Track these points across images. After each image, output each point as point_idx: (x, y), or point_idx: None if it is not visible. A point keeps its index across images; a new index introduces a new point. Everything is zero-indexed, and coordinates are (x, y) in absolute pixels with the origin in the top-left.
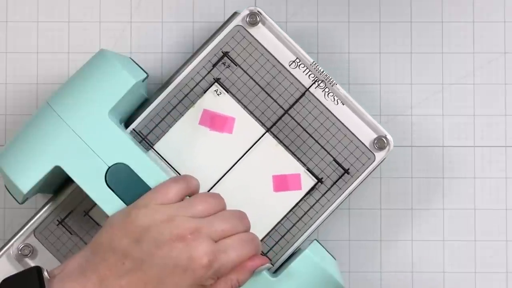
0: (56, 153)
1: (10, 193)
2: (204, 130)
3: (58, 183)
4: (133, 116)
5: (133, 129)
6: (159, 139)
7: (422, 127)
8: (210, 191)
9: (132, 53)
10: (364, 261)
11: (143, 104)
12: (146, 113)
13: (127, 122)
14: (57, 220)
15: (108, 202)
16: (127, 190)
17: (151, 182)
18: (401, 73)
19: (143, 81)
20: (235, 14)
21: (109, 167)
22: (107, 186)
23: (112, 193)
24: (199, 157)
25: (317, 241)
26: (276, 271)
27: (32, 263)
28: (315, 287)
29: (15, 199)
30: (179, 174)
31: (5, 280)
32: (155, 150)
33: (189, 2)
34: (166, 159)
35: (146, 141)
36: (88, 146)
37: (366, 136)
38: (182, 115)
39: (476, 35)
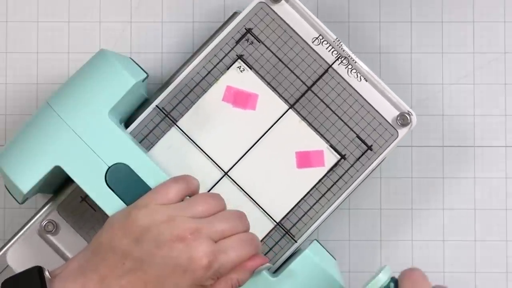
0: (56, 153)
1: (10, 193)
2: (227, 106)
3: (58, 183)
4: (133, 116)
5: (156, 105)
6: (183, 116)
7: (422, 127)
8: (234, 167)
9: (132, 53)
10: (364, 261)
11: (143, 104)
12: (169, 89)
13: (127, 122)
14: (80, 197)
15: (108, 202)
16: (127, 190)
17: (151, 182)
18: (401, 73)
19: (143, 81)
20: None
21: (109, 167)
22: (107, 186)
23: (112, 193)
24: (222, 133)
25: (317, 241)
26: (276, 271)
27: (54, 240)
28: (315, 287)
29: (15, 199)
30: (203, 151)
31: (6, 281)
32: (178, 127)
33: (189, 2)
34: (189, 136)
35: (169, 117)
36: (88, 146)
37: (389, 112)
38: (205, 92)
39: (476, 35)
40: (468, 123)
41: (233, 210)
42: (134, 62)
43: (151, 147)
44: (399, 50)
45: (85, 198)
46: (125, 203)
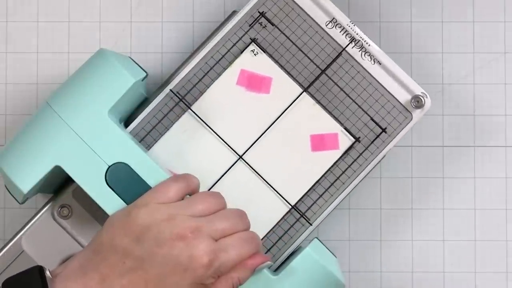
0: (56, 153)
1: (10, 193)
2: (241, 90)
3: (58, 183)
4: (132, 116)
5: (171, 90)
6: (197, 100)
7: (422, 127)
8: (248, 151)
9: (132, 53)
10: (364, 261)
11: (143, 103)
12: (183, 74)
13: (126, 122)
14: None
15: (108, 201)
16: (127, 190)
17: (151, 181)
18: None
19: (142, 80)
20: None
21: (109, 167)
22: (107, 186)
23: (113, 192)
24: (237, 117)
25: (318, 239)
26: (277, 269)
27: (69, 225)
28: (316, 285)
29: (15, 199)
30: (218, 135)
31: (7, 280)
32: (192, 111)
33: (189, 2)
34: (203, 120)
35: (184, 102)
36: (88, 146)
37: (403, 95)
38: (220, 76)
39: (476, 35)
40: (468, 123)
41: (233, 209)
42: (134, 61)
43: (166, 131)
44: (399, 50)
45: None
46: (125, 202)
